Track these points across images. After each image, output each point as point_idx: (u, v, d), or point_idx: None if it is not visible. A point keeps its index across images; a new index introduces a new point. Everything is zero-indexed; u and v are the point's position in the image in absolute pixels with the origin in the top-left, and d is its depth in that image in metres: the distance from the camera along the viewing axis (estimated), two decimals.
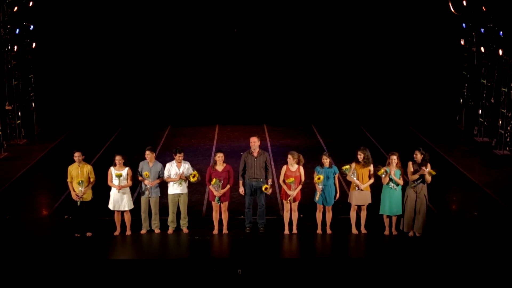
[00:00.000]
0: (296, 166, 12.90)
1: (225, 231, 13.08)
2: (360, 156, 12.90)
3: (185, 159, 13.19)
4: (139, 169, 13.00)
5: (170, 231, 13.08)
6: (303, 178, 12.93)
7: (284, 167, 12.96)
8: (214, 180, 12.76)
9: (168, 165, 13.03)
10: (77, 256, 12.00)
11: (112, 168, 12.91)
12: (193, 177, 12.93)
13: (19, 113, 21.13)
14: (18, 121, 21.06)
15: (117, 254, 12.43)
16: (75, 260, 11.82)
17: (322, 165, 12.92)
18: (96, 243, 12.58)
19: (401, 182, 12.82)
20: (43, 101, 23.10)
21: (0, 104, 19.94)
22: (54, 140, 21.28)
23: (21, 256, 11.96)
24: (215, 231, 13.04)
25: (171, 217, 13.10)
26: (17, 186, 16.35)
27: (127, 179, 12.91)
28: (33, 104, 22.12)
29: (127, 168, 12.93)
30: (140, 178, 13.00)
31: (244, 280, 11.26)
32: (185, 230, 13.10)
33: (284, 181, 12.90)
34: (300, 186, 12.90)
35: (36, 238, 12.79)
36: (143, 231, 13.08)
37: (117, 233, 12.99)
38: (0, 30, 19.89)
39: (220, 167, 12.93)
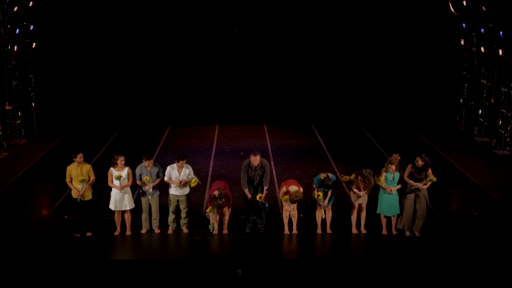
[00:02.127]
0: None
1: (225, 231, 13.09)
2: (361, 183, 12.82)
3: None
4: (137, 175, 12.98)
5: (170, 231, 13.08)
6: (301, 190, 12.92)
7: (284, 186, 12.95)
8: (209, 208, 12.78)
9: (169, 168, 13.02)
10: (77, 256, 12.00)
11: (112, 169, 12.90)
12: (193, 182, 12.96)
13: (19, 113, 21.13)
14: (18, 121, 21.06)
15: (117, 254, 12.43)
16: (75, 260, 11.82)
17: (320, 178, 12.87)
18: (96, 243, 12.58)
19: (398, 186, 12.81)
20: (43, 101, 23.09)
21: (0, 104, 19.94)
22: (54, 140, 21.27)
23: (21, 256, 11.96)
24: (215, 231, 13.04)
25: (171, 217, 13.10)
26: (17, 186, 16.35)
27: (128, 178, 12.91)
28: (33, 104, 22.12)
29: (127, 168, 12.93)
30: (139, 182, 12.98)
31: (244, 280, 11.26)
32: (185, 230, 13.11)
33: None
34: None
35: (36, 238, 12.79)
36: (143, 231, 13.09)
37: (117, 233, 12.99)
38: (0, 30, 19.89)
39: None
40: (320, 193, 12.73)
